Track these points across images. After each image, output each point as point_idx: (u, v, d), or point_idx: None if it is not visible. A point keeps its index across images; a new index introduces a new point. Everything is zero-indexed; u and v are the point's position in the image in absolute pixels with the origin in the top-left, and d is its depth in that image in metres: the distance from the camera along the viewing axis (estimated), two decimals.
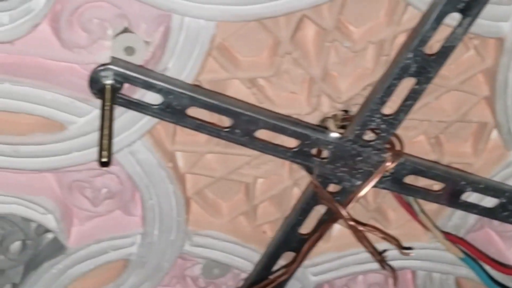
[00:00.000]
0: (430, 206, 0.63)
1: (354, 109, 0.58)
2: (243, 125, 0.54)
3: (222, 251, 0.66)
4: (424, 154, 0.61)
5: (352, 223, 0.58)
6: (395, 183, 0.59)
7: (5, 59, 0.52)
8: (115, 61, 0.50)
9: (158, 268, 0.65)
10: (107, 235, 0.64)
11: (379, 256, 0.62)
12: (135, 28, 0.51)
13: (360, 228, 0.58)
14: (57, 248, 0.64)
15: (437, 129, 0.60)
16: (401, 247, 0.63)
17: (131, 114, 0.54)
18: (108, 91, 0.50)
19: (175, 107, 0.52)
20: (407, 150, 0.58)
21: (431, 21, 0.49)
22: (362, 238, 0.59)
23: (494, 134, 0.60)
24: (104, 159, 0.48)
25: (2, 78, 0.52)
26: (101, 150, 0.49)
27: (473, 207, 0.62)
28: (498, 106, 0.56)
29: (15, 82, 0.52)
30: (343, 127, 0.57)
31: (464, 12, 0.49)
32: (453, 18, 0.49)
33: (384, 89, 0.52)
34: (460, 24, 0.50)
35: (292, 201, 0.63)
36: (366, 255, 0.64)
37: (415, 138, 0.60)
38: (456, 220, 0.65)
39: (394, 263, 0.67)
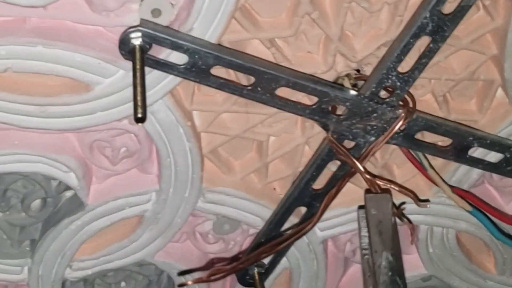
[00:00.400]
0: (434, 162, 0.63)
1: (366, 69, 0.58)
2: (265, 83, 0.54)
3: (234, 207, 0.66)
4: (431, 111, 0.61)
5: (369, 176, 0.58)
6: (406, 139, 0.60)
7: (39, 23, 0.52)
8: (144, 23, 0.50)
9: (171, 224, 0.66)
10: (124, 193, 0.64)
11: (396, 210, 0.62)
12: None
13: (378, 181, 0.59)
14: (76, 205, 0.64)
15: (445, 88, 0.60)
16: (419, 200, 0.63)
17: (153, 75, 0.54)
18: (138, 52, 0.51)
19: (200, 67, 0.52)
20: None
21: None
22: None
23: (499, 92, 0.60)
24: (139, 115, 0.48)
25: (36, 41, 0.52)
26: (136, 106, 0.49)
27: (478, 162, 0.63)
28: (507, 64, 0.56)
29: (47, 45, 0.52)
30: (355, 85, 0.57)
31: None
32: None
33: (401, 47, 0.53)
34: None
35: (304, 159, 0.64)
36: None
37: (423, 97, 0.60)
38: (459, 175, 0.66)
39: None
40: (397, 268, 0.54)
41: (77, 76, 0.54)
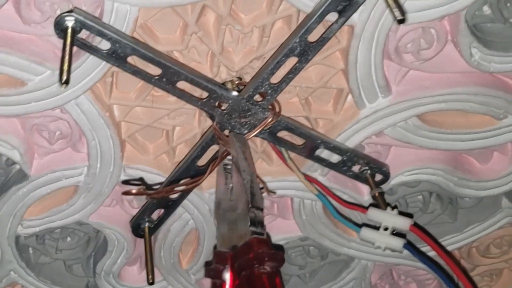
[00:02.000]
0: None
1: (245, 77, 0.59)
2: (169, 76, 0.55)
3: (150, 179, 0.65)
4: (297, 111, 0.62)
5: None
6: (271, 135, 0.61)
7: None
8: (77, 10, 0.50)
9: (101, 193, 0.65)
10: (61, 167, 0.64)
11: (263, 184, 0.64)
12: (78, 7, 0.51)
13: None
14: (22, 176, 0.64)
15: (306, 93, 0.60)
16: (268, 190, 0.65)
17: (77, 73, 0.55)
18: (70, 31, 0.50)
19: (119, 54, 0.52)
20: (285, 108, 0.59)
21: (316, 15, 0.50)
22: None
23: (349, 97, 0.60)
24: (64, 79, 0.48)
25: None
26: (61, 72, 0.48)
27: (323, 160, 0.63)
28: (351, 76, 0.57)
29: None
30: (238, 90, 0.58)
31: (341, 12, 0.50)
32: (332, 16, 0.51)
33: (274, 63, 0.54)
34: (336, 21, 0.51)
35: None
36: None
37: (291, 100, 0.60)
38: (316, 166, 0.66)
39: (278, 192, 0.68)
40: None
41: (13, 74, 0.55)
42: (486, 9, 0.55)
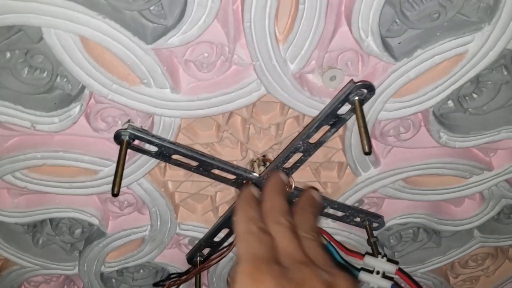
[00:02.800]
0: None
1: (268, 155, 0.58)
2: (204, 166, 0.54)
3: (198, 231, 0.65)
4: (310, 177, 0.61)
5: None
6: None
7: (61, 138, 0.53)
8: (131, 126, 0.51)
9: (162, 242, 0.65)
10: (130, 226, 0.64)
11: None
12: (134, 120, 0.52)
13: None
14: (101, 233, 0.64)
15: (315, 165, 0.60)
16: None
17: (137, 164, 0.55)
18: (125, 143, 0.51)
19: (165, 154, 0.53)
20: (300, 175, 0.59)
21: (313, 127, 0.51)
22: None
23: (349, 167, 0.58)
24: (114, 192, 0.49)
25: (58, 149, 0.53)
26: (113, 185, 0.49)
27: (331, 216, 0.62)
28: (347, 155, 0.56)
29: (65, 151, 0.54)
30: (264, 165, 0.58)
31: (332, 126, 0.51)
32: (325, 128, 0.51)
33: (284, 157, 0.54)
34: (329, 131, 0.51)
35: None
36: None
37: (304, 169, 0.59)
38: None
39: None
40: None
41: (87, 166, 0.55)
42: (450, 103, 0.54)
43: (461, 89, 0.52)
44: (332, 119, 0.50)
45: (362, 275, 0.58)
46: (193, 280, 0.65)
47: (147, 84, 0.48)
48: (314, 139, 0.52)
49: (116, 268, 0.69)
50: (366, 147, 0.45)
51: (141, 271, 0.73)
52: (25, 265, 0.68)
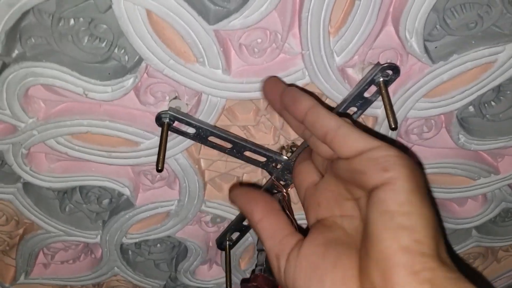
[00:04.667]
0: None
1: (298, 142, 0.58)
2: (237, 148, 0.55)
3: (222, 210, 0.65)
4: None
5: (285, 195, 0.58)
6: None
7: (108, 107, 0.54)
8: (171, 109, 0.52)
9: (186, 218, 0.65)
10: (158, 199, 0.64)
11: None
12: (181, 96, 0.52)
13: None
14: (129, 204, 0.64)
15: None
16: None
17: (176, 140, 0.56)
18: (165, 124, 0.52)
19: (202, 135, 0.53)
20: None
21: (341, 108, 0.51)
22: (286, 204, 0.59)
23: None
24: (159, 168, 0.49)
25: (105, 118, 0.54)
26: (158, 161, 0.50)
27: None
28: None
29: (111, 121, 0.54)
30: (292, 152, 0.58)
31: (359, 108, 0.51)
32: (352, 110, 0.52)
33: None
34: (356, 113, 0.52)
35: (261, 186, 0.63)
36: None
37: None
38: None
39: None
40: None
41: (129, 138, 0.55)
42: (471, 108, 0.56)
43: (483, 96, 0.54)
44: (359, 100, 0.50)
45: None
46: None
47: (201, 63, 0.48)
48: None
49: (137, 240, 0.69)
50: (392, 123, 0.46)
51: (158, 245, 0.73)
52: (49, 229, 0.68)
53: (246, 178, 0.64)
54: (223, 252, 0.71)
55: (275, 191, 0.60)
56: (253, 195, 0.45)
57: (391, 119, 0.46)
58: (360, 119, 0.56)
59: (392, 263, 0.32)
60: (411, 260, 0.31)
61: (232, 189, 0.49)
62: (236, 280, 0.74)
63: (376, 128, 0.55)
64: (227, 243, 0.67)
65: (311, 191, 0.44)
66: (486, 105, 0.55)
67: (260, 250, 0.59)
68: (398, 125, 0.54)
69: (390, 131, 0.52)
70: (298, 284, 0.38)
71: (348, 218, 0.39)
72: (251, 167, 0.61)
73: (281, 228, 0.42)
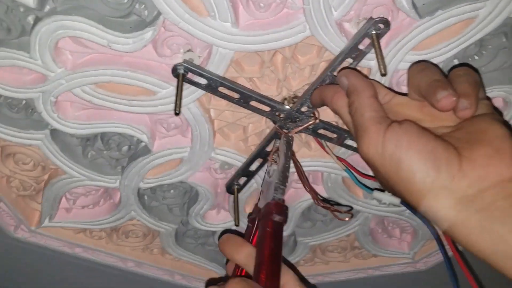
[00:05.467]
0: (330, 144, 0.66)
1: (299, 94, 0.62)
2: (244, 98, 0.59)
3: (230, 157, 0.69)
4: (332, 118, 0.64)
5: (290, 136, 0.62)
6: (314, 132, 0.64)
7: (129, 59, 0.58)
8: (186, 61, 0.56)
9: (197, 164, 0.69)
10: (173, 146, 0.67)
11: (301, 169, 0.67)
12: (194, 49, 0.56)
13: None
14: (146, 151, 0.68)
15: None
16: (318, 198, 0.67)
17: (190, 90, 0.60)
18: (181, 76, 0.56)
19: (212, 86, 0.57)
20: (324, 114, 0.62)
21: (338, 60, 0.54)
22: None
23: None
24: (177, 111, 0.55)
25: (126, 68, 0.58)
26: (175, 106, 0.55)
27: (350, 147, 0.66)
28: None
29: (132, 71, 0.58)
30: (293, 102, 0.61)
31: (354, 59, 0.55)
32: (348, 61, 0.55)
33: (312, 90, 0.57)
34: (351, 64, 0.55)
35: (265, 135, 0.67)
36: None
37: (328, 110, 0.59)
38: (343, 151, 0.68)
39: (313, 167, 0.71)
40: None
41: (148, 87, 0.59)
42: (456, 61, 0.59)
43: (467, 50, 0.58)
44: (354, 52, 0.53)
45: (376, 194, 0.61)
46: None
47: (213, 17, 0.53)
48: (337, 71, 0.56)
49: (153, 185, 0.73)
50: (383, 70, 0.50)
51: (172, 190, 0.78)
52: (73, 174, 0.72)
53: (251, 128, 0.68)
54: (231, 198, 0.77)
55: (278, 138, 0.64)
56: (366, 78, 0.51)
57: (381, 66, 0.50)
58: None
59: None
60: None
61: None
62: (242, 224, 0.78)
63: (371, 77, 0.59)
64: (235, 186, 0.72)
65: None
66: (469, 58, 0.59)
67: (281, 187, 0.60)
68: (390, 75, 0.59)
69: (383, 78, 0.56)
70: (398, 150, 0.43)
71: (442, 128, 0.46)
72: (256, 117, 0.66)
73: (384, 111, 0.47)
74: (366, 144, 0.45)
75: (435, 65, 0.53)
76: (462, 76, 0.48)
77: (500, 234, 0.38)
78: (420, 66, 0.51)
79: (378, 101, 0.48)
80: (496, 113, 0.46)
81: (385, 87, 0.52)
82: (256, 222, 0.57)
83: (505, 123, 0.43)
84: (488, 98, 0.49)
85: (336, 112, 0.52)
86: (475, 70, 0.51)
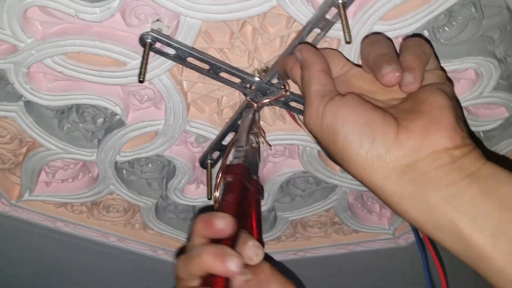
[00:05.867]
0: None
1: (270, 66, 0.61)
2: (214, 69, 0.59)
3: (204, 130, 0.69)
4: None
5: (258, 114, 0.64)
6: (285, 104, 0.64)
7: (98, 29, 0.57)
8: (153, 31, 0.56)
9: (173, 137, 0.69)
10: (147, 119, 0.67)
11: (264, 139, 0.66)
12: (162, 19, 0.56)
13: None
14: (121, 124, 0.68)
15: None
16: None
17: (159, 61, 0.59)
18: (148, 45, 0.56)
19: (181, 56, 0.57)
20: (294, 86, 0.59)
21: (306, 30, 0.54)
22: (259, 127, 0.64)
23: None
24: (141, 79, 0.55)
25: (94, 38, 0.57)
26: (139, 74, 0.55)
27: None
28: None
29: (101, 40, 0.57)
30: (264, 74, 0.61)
31: (321, 29, 0.54)
32: (316, 32, 0.55)
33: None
34: (319, 34, 0.55)
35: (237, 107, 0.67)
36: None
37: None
38: None
39: (288, 141, 0.71)
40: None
41: (117, 58, 0.59)
42: (426, 32, 0.59)
43: (436, 21, 0.58)
44: (321, 22, 0.53)
45: None
46: None
47: None
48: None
49: (129, 158, 0.73)
50: (347, 37, 0.49)
51: (150, 165, 0.78)
52: (50, 147, 0.72)
53: (225, 100, 0.68)
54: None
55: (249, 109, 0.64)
56: (320, 52, 0.52)
57: (346, 34, 0.50)
58: (325, 43, 0.60)
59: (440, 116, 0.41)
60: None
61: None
62: None
63: (340, 49, 0.58)
64: (209, 161, 0.73)
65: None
66: (439, 30, 0.59)
67: (239, 147, 0.62)
68: (356, 45, 0.58)
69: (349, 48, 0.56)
70: (335, 122, 0.44)
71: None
72: (229, 89, 0.65)
73: (332, 84, 0.48)
74: (308, 116, 0.47)
75: (388, 39, 0.53)
76: (410, 48, 0.48)
77: (431, 204, 0.39)
78: (371, 39, 0.52)
79: (327, 75, 0.49)
80: (448, 83, 0.46)
81: (346, 59, 0.52)
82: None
83: (452, 94, 0.44)
84: (443, 69, 0.49)
85: (295, 83, 0.53)
86: (427, 41, 0.52)
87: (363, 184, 0.44)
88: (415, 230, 0.57)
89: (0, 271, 1.05)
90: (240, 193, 0.55)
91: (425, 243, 0.51)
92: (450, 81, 0.50)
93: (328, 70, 0.50)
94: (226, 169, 0.57)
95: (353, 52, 0.58)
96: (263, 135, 0.65)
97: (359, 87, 0.50)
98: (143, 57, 0.56)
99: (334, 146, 0.44)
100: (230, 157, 0.63)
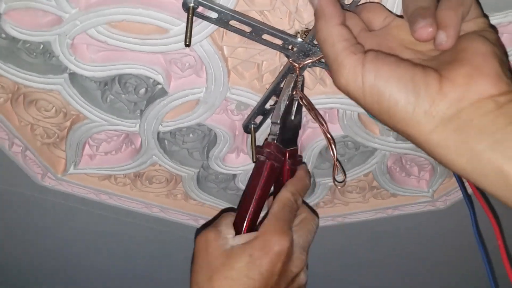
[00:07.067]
0: None
1: (310, 27, 0.59)
2: (256, 31, 0.57)
3: (245, 97, 0.68)
4: None
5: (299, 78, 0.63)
6: (327, 65, 0.59)
7: None
8: None
9: (214, 104, 0.68)
10: (188, 87, 0.66)
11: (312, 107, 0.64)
12: None
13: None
14: (163, 93, 0.67)
15: None
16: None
17: (200, 26, 0.58)
18: (191, 9, 0.55)
19: (224, 20, 0.56)
20: None
21: None
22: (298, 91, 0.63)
23: None
24: (187, 43, 0.54)
25: (138, 6, 0.56)
26: (185, 38, 0.54)
27: None
28: None
29: (144, 8, 0.56)
30: (306, 35, 0.59)
31: None
32: None
33: None
34: None
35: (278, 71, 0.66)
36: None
37: None
38: None
39: (328, 105, 0.69)
40: None
41: (160, 24, 0.58)
42: None
43: None
44: None
45: None
46: None
47: None
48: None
49: (172, 128, 0.73)
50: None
51: (191, 134, 0.77)
52: (94, 119, 0.72)
53: (265, 65, 0.66)
54: (249, 140, 0.76)
55: (292, 73, 0.63)
56: (338, 3, 0.49)
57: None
58: None
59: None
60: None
61: None
62: None
63: (383, 2, 0.56)
64: (252, 126, 0.72)
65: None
66: None
67: (274, 123, 0.63)
68: None
69: None
70: (377, 81, 0.43)
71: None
72: (269, 54, 0.64)
73: (355, 38, 0.47)
74: (344, 78, 0.45)
75: None
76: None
77: (476, 152, 0.38)
78: None
79: (347, 29, 0.47)
80: (491, 30, 0.44)
81: (388, 10, 0.51)
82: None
83: (496, 40, 0.42)
84: (486, 16, 0.47)
85: None
86: None
87: (408, 139, 0.43)
88: (461, 183, 0.56)
89: (48, 245, 1.06)
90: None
91: (475, 194, 0.50)
92: (494, 28, 0.48)
93: (346, 24, 0.48)
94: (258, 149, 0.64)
95: (395, 5, 0.56)
96: (304, 102, 0.64)
97: (400, 38, 0.48)
98: (187, 21, 0.55)
99: (379, 105, 0.43)
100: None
